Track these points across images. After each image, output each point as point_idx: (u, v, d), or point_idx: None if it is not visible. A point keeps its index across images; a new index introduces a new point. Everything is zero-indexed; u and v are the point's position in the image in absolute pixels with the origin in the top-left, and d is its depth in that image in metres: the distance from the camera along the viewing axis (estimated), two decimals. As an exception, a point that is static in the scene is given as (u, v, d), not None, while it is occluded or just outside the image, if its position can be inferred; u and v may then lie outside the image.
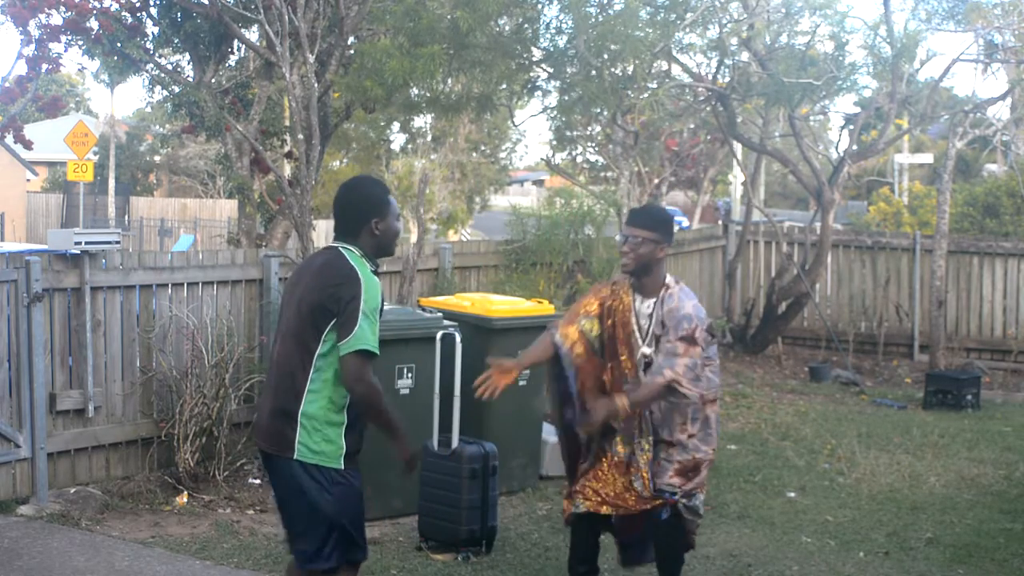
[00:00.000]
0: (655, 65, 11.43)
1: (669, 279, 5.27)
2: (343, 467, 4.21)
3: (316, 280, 4.22)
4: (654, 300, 5.22)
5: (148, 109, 36.20)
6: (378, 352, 4.15)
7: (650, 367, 5.16)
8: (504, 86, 11.20)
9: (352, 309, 4.09)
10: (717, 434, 5.37)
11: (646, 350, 5.19)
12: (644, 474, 5.22)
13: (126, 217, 34.24)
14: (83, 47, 9.56)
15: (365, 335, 4.09)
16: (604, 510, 5.34)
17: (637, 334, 5.24)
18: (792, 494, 7.82)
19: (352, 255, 4.25)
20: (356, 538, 4.28)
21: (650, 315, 5.21)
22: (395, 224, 4.36)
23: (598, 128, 17.08)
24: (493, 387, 5.14)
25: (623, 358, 5.25)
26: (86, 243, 7.08)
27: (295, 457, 4.17)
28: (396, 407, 4.42)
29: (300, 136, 8.41)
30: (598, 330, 5.32)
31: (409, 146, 30.37)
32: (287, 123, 10.36)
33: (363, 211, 4.29)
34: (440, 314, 7.29)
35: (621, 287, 5.34)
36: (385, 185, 4.47)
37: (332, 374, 4.16)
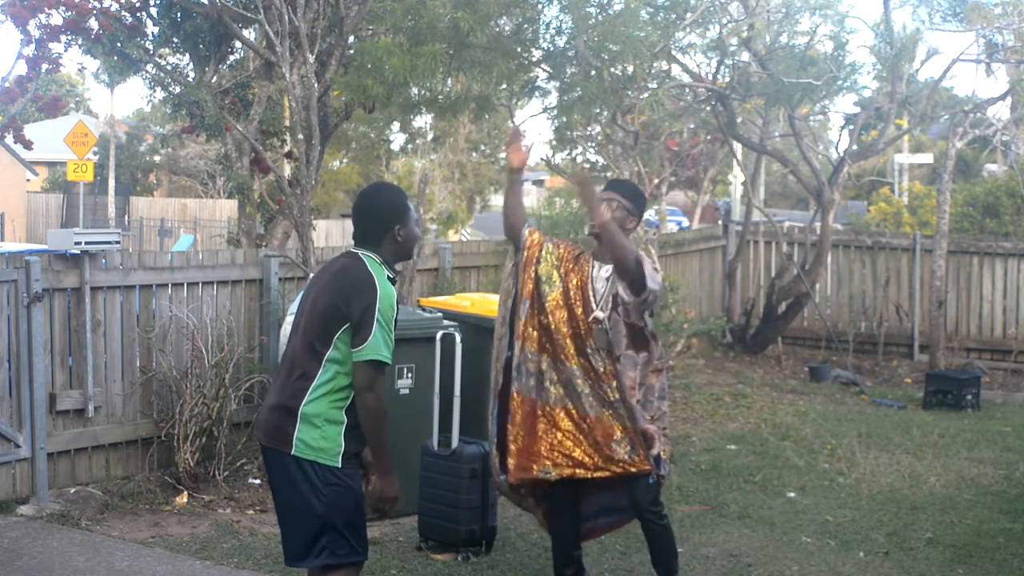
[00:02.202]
0: (655, 65, 11.43)
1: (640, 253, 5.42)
2: (340, 466, 4.20)
3: (333, 283, 4.25)
4: (612, 266, 5.34)
5: (148, 109, 36.23)
6: (390, 362, 4.18)
7: (600, 330, 5.31)
8: (504, 86, 11.19)
9: (367, 317, 4.13)
10: (662, 408, 5.43)
11: (599, 314, 5.29)
12: (632, 435, 5.27)
13: (126, 217, 34.26)
14: (83, 47, 9.56)
15: (378, 345, 4.13)
16: (579, 473, 5.33)
17: (592, 298, 5.35)
18: (792, 494, 7.82)
19: (372, 262, 4.26)
20: (350, 539, 4.25)
21: (607, 279, 5.34)
22: (416, 230, 4.40)
23: (598, 128, 17.07)
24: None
25: (576, 314, 5.35)
26: (86, 243, 7.08)
27: (292, 453, 4.18)
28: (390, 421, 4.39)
29: (300, 136, 8.41)
30: (559, 281, 5.42)
31: (409, 146, 30.36)
32: (287, 123, 10.36)
33: (386, 219, 4.32)
34: (440, 314, 7.29)
35: (584, 256, 5.49)
36: (404, 192, 4.50)
37: (338, 376, 4.19)
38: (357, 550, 4.28)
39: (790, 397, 11.70)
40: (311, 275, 4.81)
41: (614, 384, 5.29)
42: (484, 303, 7.61)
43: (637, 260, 5.23)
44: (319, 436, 4.17)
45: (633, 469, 5.29)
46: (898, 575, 6.24)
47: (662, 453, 5.41)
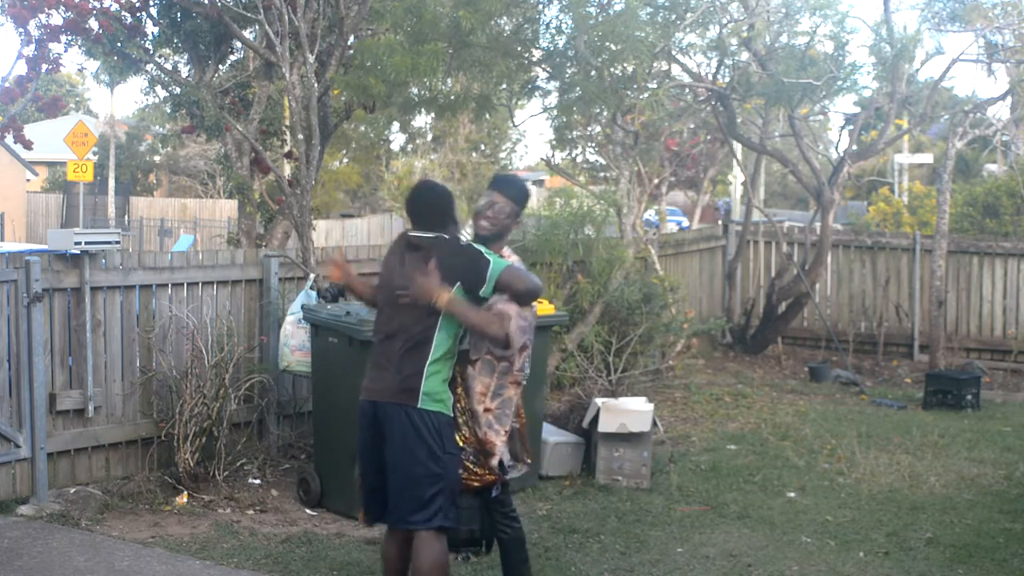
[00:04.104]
0: (655, 65, 11.43)
1: (507, 250, 5.25)
2: (453, 415, 4.91)
3: (449, 262, 4.81)
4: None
5: (148, 109, 36.21)
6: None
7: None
8: (504, 86, 11.19)
9: (485, 277, 4.83)
10: (514, 426, 5.19)
11: None
12: (475, 444, 5.10)
13: (126, 217, 34.26)
14: (83, 47, 9.55)
15: (498, 259, 4.90)
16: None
17: None
18: (792, 494, 7.82)
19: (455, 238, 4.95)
20: (455, 507, 4.89)
21: None
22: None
23: (598, 128, 17.09)
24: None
25: None
26: (86, 243, 7.08)
27: (418, 406, 4.76)
28: None
29: (300, 136, 8.41)
30: None
31: (409, 146, 30.36)
32: (287, 123, 10.36)
33: (448, 209, 5.00)
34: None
35: None
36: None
37: (446, 337, 4.83)
38: (455, 518, 4.92)
39: (790, 397, 11.70)
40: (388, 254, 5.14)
41: (459, 391, 5.08)
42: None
43: (501, 326, 4.89)
44: (440, 391, 4.81)
45: (476, 483, 5.12)
46: (898, 575, 6.24)
47: (504, 458, 5.21)
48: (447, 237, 4.93)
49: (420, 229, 4.97)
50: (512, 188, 5.24)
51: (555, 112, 11.98)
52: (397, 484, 4.79)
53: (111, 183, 35.20)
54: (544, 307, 7.88)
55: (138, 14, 9.63)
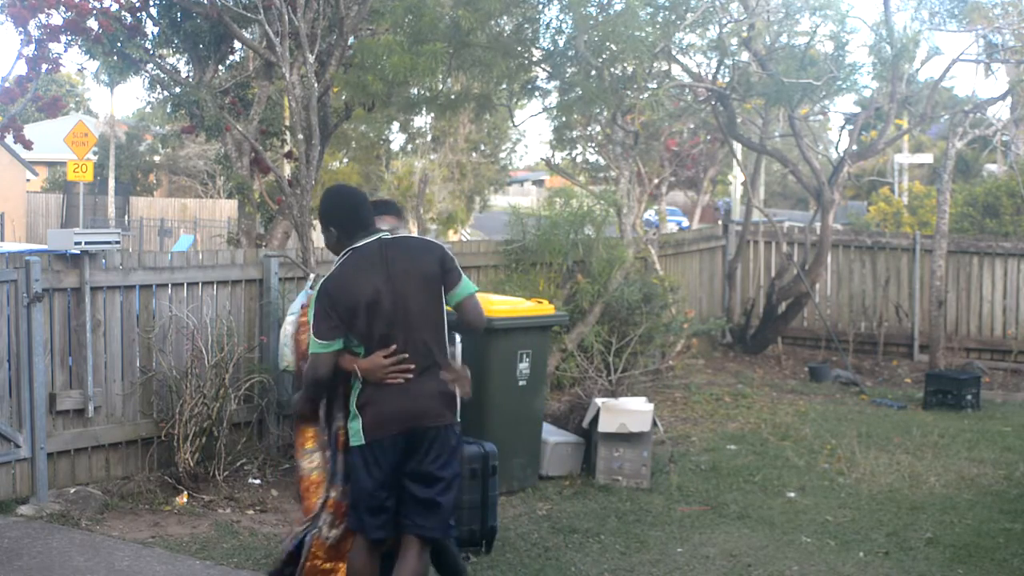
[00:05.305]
0: (655, 65, 11.44)
1: None
2: None
3: (424, 257, 4.66)
4: None
5: (148, 109, 36.21)
6: None
7: None
8: (504, 86, 11.20)
9: (455, 265, 4.73)
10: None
11: None
12: None
13: (126, 217, 34.23)
14: (83, 47, 9.55)
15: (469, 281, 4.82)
16: None
17: None
18: (792, 494, 7.82)
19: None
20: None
21: None
22: None
23: (598, 128, 17.09)
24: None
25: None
26: (86, 243, 7.08)
27: (457, 419, 4.68)
28: None
29: (300, 136, 8.41)
30: None
31: (409, 146, 30.33)
32: (287, 123, 10.35)
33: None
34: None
35: None
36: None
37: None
38: None
39: (790, 397, 11.70)
40: (347, 265, 4.64)
41: None
42: (484, 303, 7.59)
43: None
44: None
45: None
46: (898, 575, 6.24)
47: None
48: (407, 234, 4.90)
49: (363, 234, 4.65)
50: (395, 208, 5.50)
51: (555, 112, 11.99)
52: (440, 498, 4.58)
53: (111, 183, 35.16)
54: (544, 307, 7.89)
55: (138, 14, 9.62)
